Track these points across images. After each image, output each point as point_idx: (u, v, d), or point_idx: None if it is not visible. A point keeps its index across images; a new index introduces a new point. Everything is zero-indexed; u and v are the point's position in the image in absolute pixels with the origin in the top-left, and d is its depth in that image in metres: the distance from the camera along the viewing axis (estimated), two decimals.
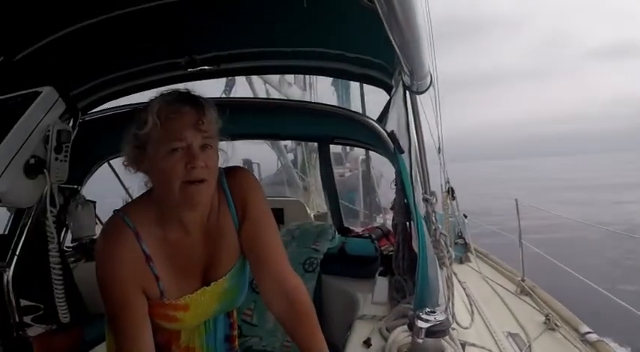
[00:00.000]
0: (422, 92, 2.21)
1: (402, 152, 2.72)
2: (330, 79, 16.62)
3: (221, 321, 2.10)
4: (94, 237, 3.82)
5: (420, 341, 1.85)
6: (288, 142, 18.00)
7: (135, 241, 1.71)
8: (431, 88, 2.33)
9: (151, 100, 1.66)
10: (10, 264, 2.65)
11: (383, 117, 3.40)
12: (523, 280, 5.12)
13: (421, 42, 1.54)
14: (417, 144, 2.54)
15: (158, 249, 1.76)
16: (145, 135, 1.62)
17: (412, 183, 2.62)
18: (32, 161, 2.33)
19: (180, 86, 1.77)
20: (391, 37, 1.49)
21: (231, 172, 1.90)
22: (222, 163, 1.79)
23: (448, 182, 4.85)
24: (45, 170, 2.37)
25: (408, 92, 2.38)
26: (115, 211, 1.79)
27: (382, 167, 13.71)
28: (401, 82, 2.41)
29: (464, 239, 5.77)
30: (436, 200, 2.50)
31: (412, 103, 2.45)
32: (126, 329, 1.70)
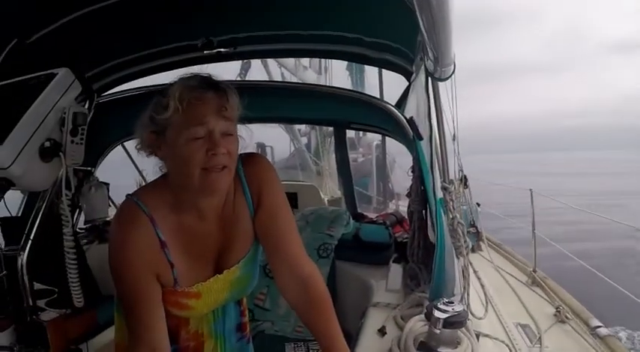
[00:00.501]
0: (445, 79, 2.17)
1: (421, 139, 2.69)
2: (344, 64, 16.60)
3: (231, 308, 2.09)
4: (107, 219, 3.83)
5: (438, 331, 1.85)
6: (302, 126, 18.02)
7: (150, 226, 1.69)
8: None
9: (172, 84, 1.63)
10: (25, 248, 2.65)
11: (401, 103, 3.37)
12: (535, 271, 5.08)
13: (450, 26, 1.50)
14: (437, 131, 2.51)
15: (173, 236, 1.74)
16: (165, 120, 1.59)
17: (431, 170, 2.60)
18: (47, 144, 2.30)
19: (196, 68, 1.75)
20: (420, 21, 1.45)
21: (247, 159, 1.87)
22: (240, 149, 1.77)
23: (462, 170, 4.81)
24: (60, 153, 2.35)
25: (430, 78, 2.35)
26: (128, 195, 1.77)
27: (395, 150, 13.68)
28: (422, 68, 2.38)
29: (476, 227, 5.74)
30: (455, 188, 2.47)
31: (434, 90, 2.42)
32: (141, 316, 1.68)
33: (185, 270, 1.78)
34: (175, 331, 1.92)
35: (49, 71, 2.37)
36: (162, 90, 1.64)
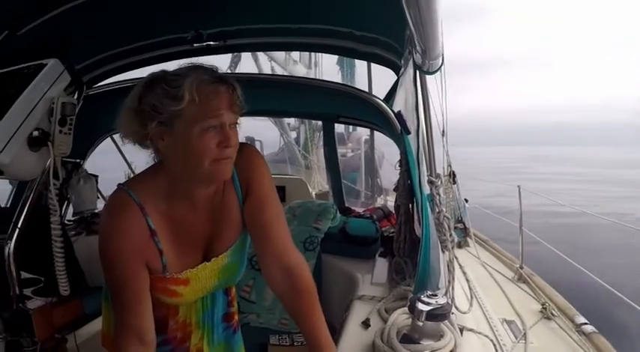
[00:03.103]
0: (433, 72, 2.18)
1: (409, 133, 2.71)
2: (334, 58, 16.60)
3: (219, 298, 2.11)
4: (96, 211, 3.83)
5: (421, 324, 1.86)
6: (292, 120, 18.02)
7: (140, 215, 1.71)
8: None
9: (183, 76, 1.61)
10: (12, 237, 2.65)
11: (390, 97, 3.38)
12: (521, 267, 5.12)
13: (438, 19, 1.52)
14: (424, 125, 2.53)
15: (162, 224, 1.76)
16: (176, 111, 1.59)
17: (418, 164, 2.61)
18: (36, 133, 2.32)
19: (186, 61, 1.74)
20: (407, 13, 1.46)
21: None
22: None
23: (450, 165, 4.85)
24: (49, 142, 2.36)
25: (418, 72, 2.36)
26: (119, 185, 1.78)
27: (384, 148, 13.69)
28: (411, 62, 2.39)
29: (463, 223, 5.77)
30: (441, 182, 2.49)
31: (422, 84, 2.43)
32: (129, 304, 1.71)
33: (174, 257, 1.80)
34: (164, 321, 1.95)
35: (38, 62, 2.38)
36: (169, 80, 1.62)
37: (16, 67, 2.36)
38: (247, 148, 1.94)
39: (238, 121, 1.72)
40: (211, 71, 1.67)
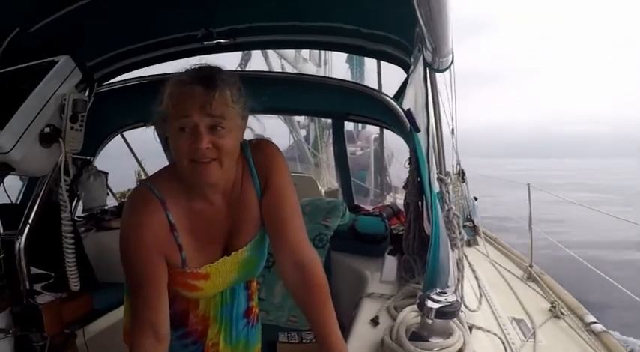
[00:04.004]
0: (443, 70, 2.19)
1: (419, 131, 2.70)
2: (344, 56, 16.61)
3: (239, 292, 2.12)
4: (105, 208, 3.85)
5: (430, 321, 1.85)
6: (301, 118, 18.05)
7: (161, 210, 1.73)
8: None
9: (170, 78, 1.67)
10: (22, 233, 2.67)
11: (399, 95, 3.38)
12: (531, 266, 5.09)
13: (448, 17, 1.52)
14: (434, 123, 2.52)
15: (182, 219, 1.78)
16: (163, 112, 1.64)
17: (427, 162, 2.61)
18: (47, 130, 2.33)
19: (196, 59, 1.76)
20: (418, 11, 1.47)
21: (255, 144, 1.91)
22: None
23: (459, 164, 4.83)
24: (60, 139, 2.38)
25: (428, 70, 2.36)
26: (141, 181, 1.82)
27: (394, 146, 13.70)
28: (421, 60, 2.39)
29: (472, 222, 5.75)
30: (451, 180, 2.48)
31: (431, 82, 2.43)
32: (147, 297, 1.73)
33: (194, 252, 1.82)
34: (184, 314, 1.98)
35: (49, 59, 2.39)
36: (163, 81, 1.67)
37: (28, 63, 2.37)
38: (265, 143, 1.97)
39: (244, 123, 1.75)
40: (195, 71, 1.67)
